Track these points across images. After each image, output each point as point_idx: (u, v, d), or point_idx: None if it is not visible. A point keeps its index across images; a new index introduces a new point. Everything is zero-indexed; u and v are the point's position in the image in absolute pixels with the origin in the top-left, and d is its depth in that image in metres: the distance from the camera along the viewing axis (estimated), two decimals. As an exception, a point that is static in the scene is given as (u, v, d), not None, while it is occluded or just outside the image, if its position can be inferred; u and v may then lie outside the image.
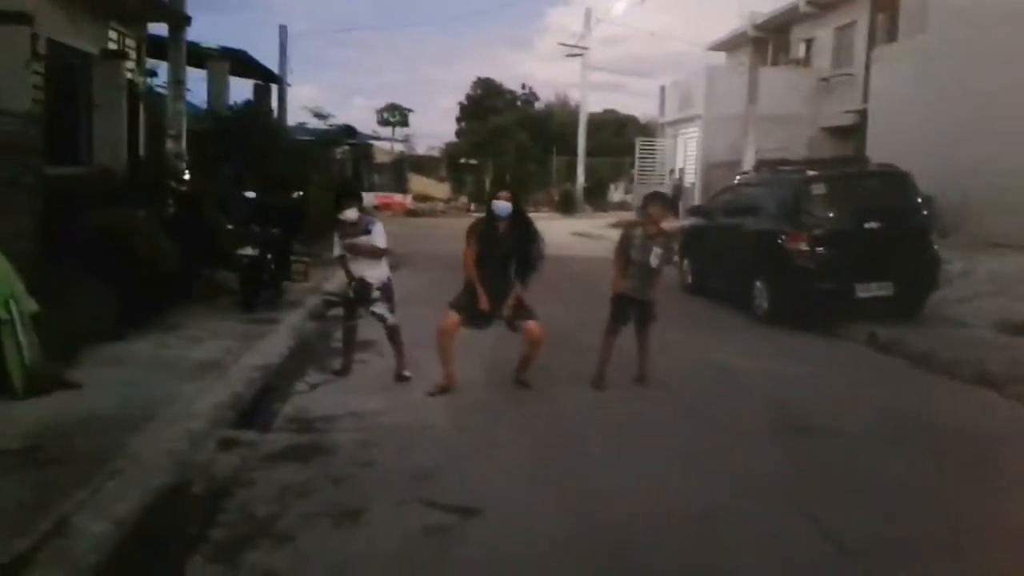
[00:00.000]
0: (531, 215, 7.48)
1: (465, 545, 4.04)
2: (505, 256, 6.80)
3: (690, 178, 27.22)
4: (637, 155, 31.27)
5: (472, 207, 38.52)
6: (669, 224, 7.69)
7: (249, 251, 9.77)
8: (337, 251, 7.41)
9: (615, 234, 23.21)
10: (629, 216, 30.77)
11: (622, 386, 7.16)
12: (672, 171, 29.13)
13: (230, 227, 10.60)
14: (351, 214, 7.24)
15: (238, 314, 9.61)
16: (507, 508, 4.47)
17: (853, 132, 22.38)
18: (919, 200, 10.65)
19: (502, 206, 6.79)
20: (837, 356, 9.12)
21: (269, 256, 10.17)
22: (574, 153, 40.49)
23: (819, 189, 10.44)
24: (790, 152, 19.45)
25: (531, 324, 6.75)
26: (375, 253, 7.25)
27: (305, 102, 79.46)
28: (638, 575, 3.84)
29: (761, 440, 5.88)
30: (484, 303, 6.70)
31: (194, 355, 7.50)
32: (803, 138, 23.97)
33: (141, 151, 12.28)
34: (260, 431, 5.79)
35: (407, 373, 7.25)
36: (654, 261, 7.16)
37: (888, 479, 5.13)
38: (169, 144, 12.49)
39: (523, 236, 6.87)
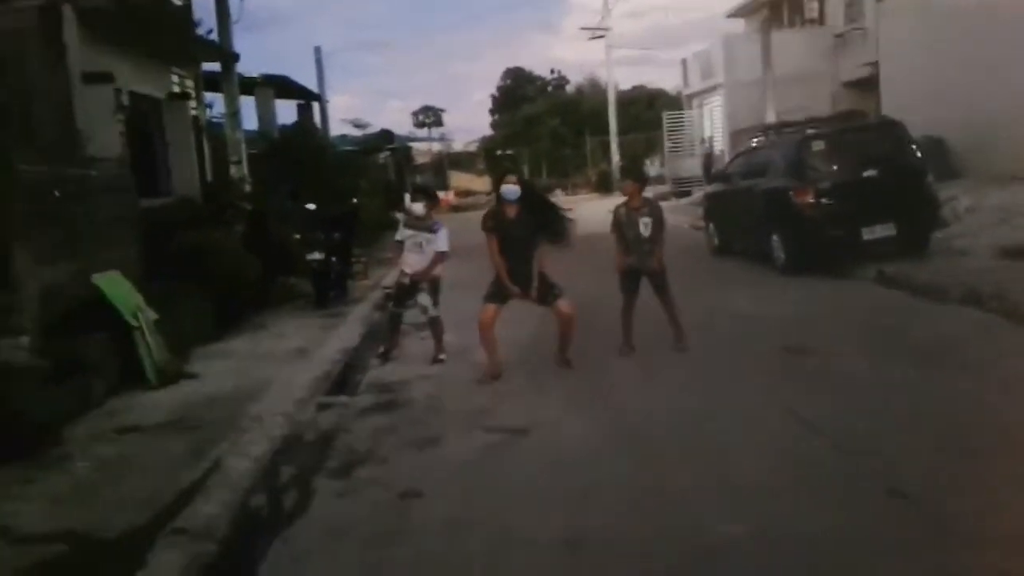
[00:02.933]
0: (570, 197, 8.48)
1: (516, 452, 5.31)
2: (524, 237, 7.00)
3: (719, 145, 28.05)
4: (665, 128, 32.14)
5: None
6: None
7: (317, 256, 11.17)
8: (399, 236, 8.14)
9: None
10: (664, 189, 31.86)
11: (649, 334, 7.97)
12: (702, 140, 29.99)
13: (297, 237, 12.01)
14: (418, 208, 8.05)
15: (312, 311, 11.02)
16: (548, 428, 5.72)
17: (872, 84, 23.02)
18: (913, 146, 11.57)
19: (510, 189, 7.03)
20: (845, 294, 10.13)
21: (334, 259, 11.53)
22: (607, 133, 41.44)
23: (819, 145, 11.43)
24: (812, 109, 20.22)
25: (561, 304, 7.06)
26: (436, 259, 7.91)
27: (342, 112, 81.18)
28: (646, 458, 5.04)
29: (760, 360, 7.06)
30: (509, 287, 7.02)
31: (284, 346, 8.89)
32: (825, 94, 24.68)
33: (208, 177, 13.74)
34: (349, 395, 7.15)
35: (442, 356, 7.93)
36: (644, 231, 7.51)
37: (858, 380, 6.27)
38: (232, 169, 13.96)
39: (540, 213, 7.15)
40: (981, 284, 8.98)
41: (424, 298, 8.02)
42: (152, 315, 7.70)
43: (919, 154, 11.63)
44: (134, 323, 7.39)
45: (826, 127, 12.16)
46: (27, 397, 5.99)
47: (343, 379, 7.76)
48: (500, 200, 7.16)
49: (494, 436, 5.64)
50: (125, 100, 10.35)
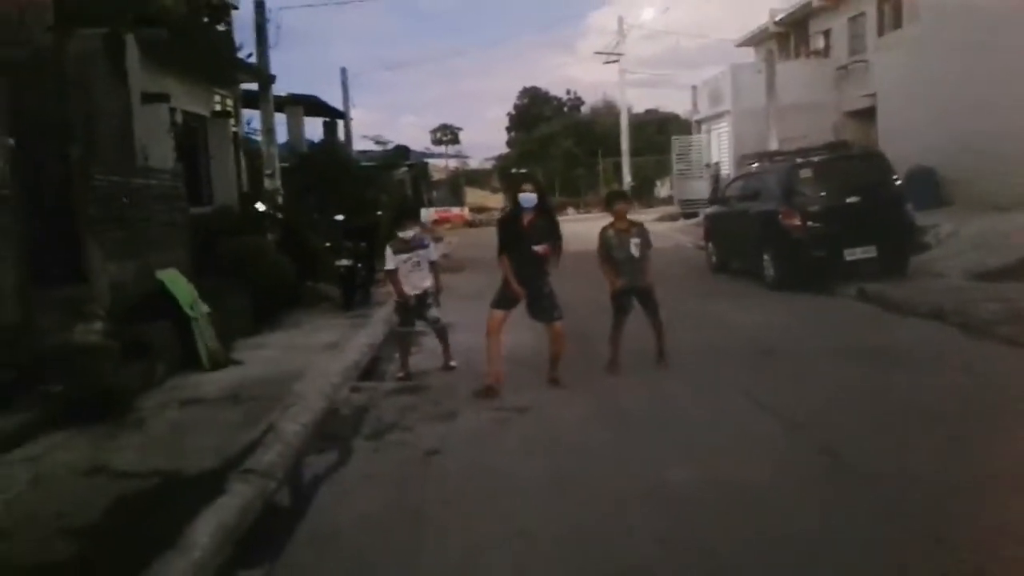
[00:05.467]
0: (582, 216, 9.26)
1: (519, 425, 6.35)
2: (535, 244, 7.23)
3: (725, 169, 29.08)
4: (675, 152, 33.21)
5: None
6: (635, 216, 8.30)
7: (345, 262, 12.26)
8: (390, 265, 8.24)
9: (662, 227, 25.41)
10: (673, 210, 32.90)
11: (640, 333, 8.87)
12: (708, 164, 31.04)
13: (328, 245, 13.12)
14: (409, 232, 8.30)
15: (340, 313, 12.11)
16: (548, 407, 6.75)
17: (872, 114, 24.06)
18: (894, 176, 12.63)
19: (527, 197, 7.24)
20: (825, 308, 11.13)
21: (360, 266, 12.62)
22: (619, 154, 42.55)
23: (806, 173, 12.50)
24: (815, 137, 21.23)
25: (556, 325, 7.34)
26: (435, 273, 8.31)
27: (360, 127, 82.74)
28: (623, 426, 6.07)
29: (734, 359, 8.09)
30: (517, 290, 7.24)
31: (316, 340, 9.95)
32: (828, 123, 25.67)
33: (244, 188, 14.88)
34: (377, 381, 8.19)
35: (453, 363, 8.34)
36: (635, 251, 7.75)
37: (815, 375, 7.31)
38: (267, 182, 15.10)
39: (549, 223, 7.40)
40: (946, 302, 9.96)
41: (433, 311, 8.33)
42: (205, 308, 8.78)
43: (899, 183, 12.64)
44: (191, 314, 8.47)
45: (814, 156, 13.18)
46: (102, 372, 7.05)
47: (372, 368, 8.81)
48: (517, 206, 7.36)
49: (501, 413, 6.67)
50: (178, 118, 11.47)
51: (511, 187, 7.75)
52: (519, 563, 4.00)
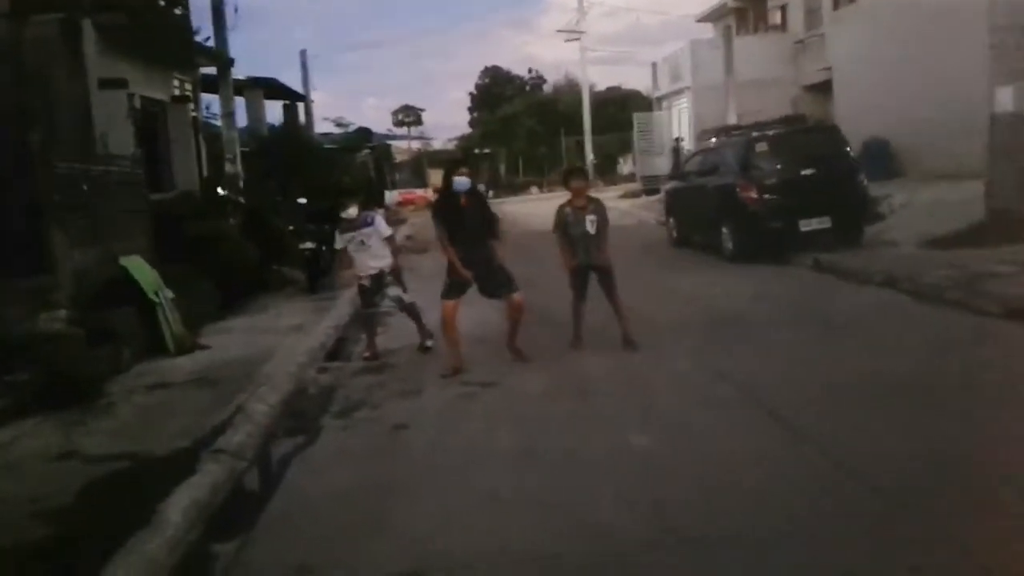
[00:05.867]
0: (545, 195, 9.20)
1: (485, 399, 6.51)
2: (474, 226, 7.28)
3: (686, 145, 29.35)
4: (636, 129, 33.41)
5: (489, 193, 40.80)
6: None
7: (309, 246, 12.30)
8: (339, 244, 8.37)
9: (625, 204, 25.63)
10: (636, 187, 33.14)
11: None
12: (677, 139, 31.28)
13: (291, 228, 13.14)
14: (351, 211, 8.33)
15: (305, 296, 12.19)
16: (512, 382, 6.91)
17: (829, 88, 24.42)
18: (847, 148, 12.91)
19: (462, 181, 7.27)
20: (781, 278, 11.37)
21: (324, 248, 12.65)
22: (582, 132, 42.67)
23: (762, 147, 12.74)
24: (773, 112, 21.51)
25: (514, 296, 7.34)
26: (390, 242, 8.27)
27: (321, 110, 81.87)
28: (584, 395, 6.27)
29: (692, 329, 8.30)
30: (463, 274, 7.24)
31: (282, 323, 10.03)
32: (787, 98, 26.00)
33: (204, 173, 14.81)
34: (344, 361, 8.30)
35: (429, 343, 8.22)
36: (591, 228, 7.67)
37: (768, 342, 7.54)
38: (227, 167, 15.05)
39: (483, 206, 7.54)
40: (898, 269, 10.24)
41: (393, 290, 8.32)
42: (169, 294, 8.82)
43: (853, 155, 12.93)
44: (155, 300, 8.51)
45: (770, 130, 13.42)
46: (68, 359, 7.10)
47: (337, 349, 8.92)
48: (451, 190, 7.34)
49: (467, 388, 6.82)
50: (137, 103, 11.41)
51: (446, 173, 7.66)
52: (489, 526, 4.18)
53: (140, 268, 8.78)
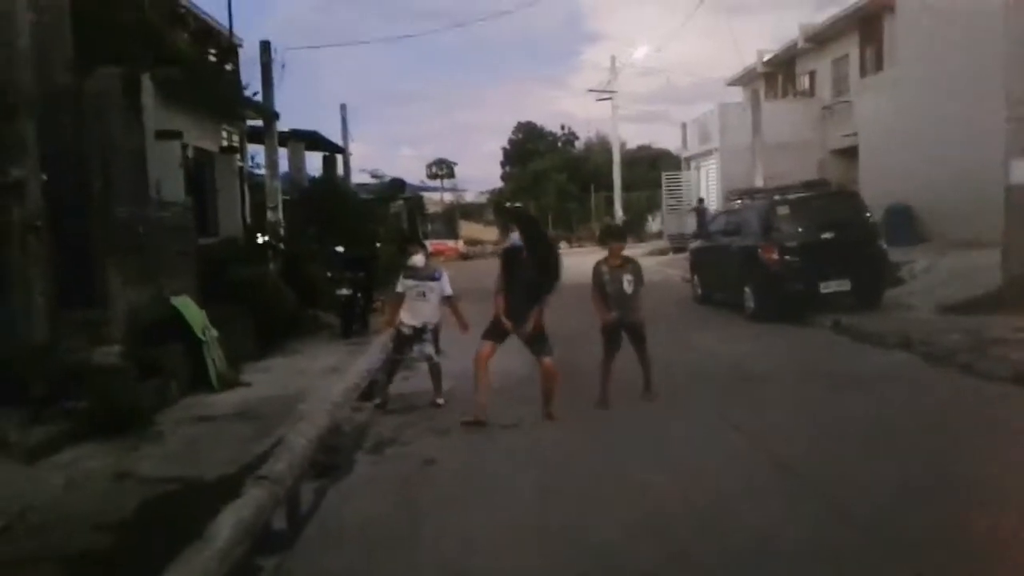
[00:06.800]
0: (574, 249, 9.43)
1: (509, 439, 6.91)
2: (528, 280, 7.43)
3: (714, 205, 29.83)
4: (664, 187, 34.01)
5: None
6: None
7: (345, 292, 12.85)
8: (400, 289, 8.41)
9: (651, 261, 26.06)
10: (663, 244, 33.60)
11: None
12: (700, 199, 31.82)
13: (328, 275, 13.73)
14: (419, 259, 8.49)
15: (339, 340, 12.69)
16: (535, 425, 7.30)
17: (855, 153, 24.90)
18: (867, 214, 13.33)
19: (515, 237, 7.69)
20: (800, 338, 11.73)
21: (358, 295, 13.20)
22: (611, 189, 43.33)
23: (784, 210, 13.18)
24: (800, 176, 21.96)
25: (547, 361, 7.48)
26: (453, 308, 8.38)
27: (357, 159, 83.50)
28: (602, 442, 6.62)
29: (709, 382, 8.67)
30: (505, 321, 7.45)
31: (318, 365, 10.51)
32: (813, 161, 26.47)
33: (248, 220, 15.51)
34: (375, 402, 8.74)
35: (440, 401, 8.28)
36: (627, 288, 7.90)
37: (782, 397, 7.93)
38: (269, 215, 15.74)
39: (548, 264, 7.53)
40: (914, 332, 10.56)
41: (428, 347, 8.38)
42: (214, 332, 9.34)
43: (872, 220, 13.33)
44: (203, 338, 9.04)
45: (792, 194, 13.86)
46: (121, 390, 7.60)
47: (370, 390, 9.35)
48: (515, 245, 7.63)
49: (492, 429, 7.23)
50: (189, 153, 12.11)
51: (506, 218, 8.09)
52: (511, 549, 4.59)
53: (189, 307, 9.33)
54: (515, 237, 7.63)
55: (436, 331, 8.49)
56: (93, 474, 6.08)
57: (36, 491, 5.70)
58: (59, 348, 7.74)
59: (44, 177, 7.72)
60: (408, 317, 8.37)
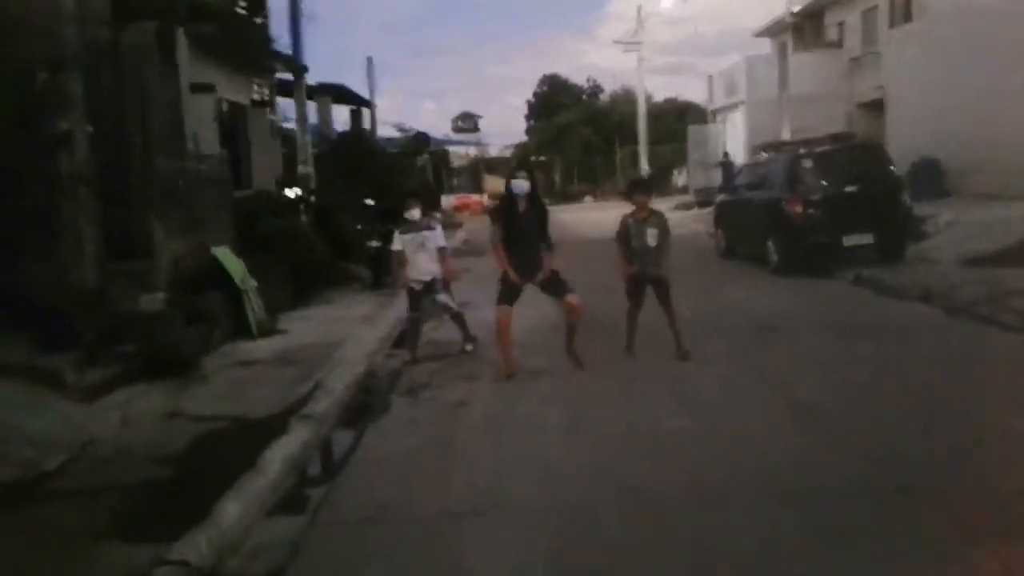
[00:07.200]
0: (598, 204, 9.37)
1: (537, 383, 7.23)
2: (529, 230, 7.38)
3: (740, 159, 29.75)
4: (691, 141, 33.90)
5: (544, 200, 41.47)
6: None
7: (375, 243, 13.16)
8: (397, 246, 8.50)
9: (677, 215, 26.15)
10: (688, 199, 33.60)
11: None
12: (726, 153, 31.73)
13: (359, 227, 14.05)
14: (415, 213, 8.51)
15: (370, 291, 13.04)
16: (562, 370, 7.60)
17: (883, 106, 24.70)
18: (892, 167, 13.38)
19: (520, 184, 7.36)
20: (823, 290, 11.88)
21: (388, 247, 13.49)
22: (637, 142, 43.18)
23: (808, 163, 13.26)
24: (827, 128, 21.89)
25: (570, 297, 7.40)
26: (442, 259, 8.45)
27: (382, 112, 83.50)
28: (629, 386, 6.91)
29: (735, 334, 8.90)
30: (515, 279, 7.36)
31: (352, 313, 10.89)
32: (841, 114, 26.29)
33: (280, 173, 15.82)
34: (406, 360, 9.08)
35: (469, 347, 8.50)
36: (651, 241, 7.85)
37: (803, 348, 8.14)
38: (300, 168, 16.03)
39: (540, 211, 7.56)
40: (935, 285, 10.70)
41: (443, 297, 8.50)
42: (253, 282, 9.70)
43: (896, 173, 13.39)
44: (242, 287, 9.40)
45: (817, 147, 13.92)
46: (167, 336, 7.98)
47: (400, 339, 9.68)
48: (510, 193, 7.46)
49: (519, 377, 7.53)
50: (223, 107, 12.39)
51: (509, 176, 7.73)
52: (538, 480, 4.93)
53: (229, 258, 9.68)
54: (519, 185, 7.38)
55: (448, 282, 8.60)
56: (146, 413, 6.48)
57: (95, 427, 6.11)
58: (109, 295, 8.12)
59: (90, 129, 7.99)
60: (415, 273, 8.46)
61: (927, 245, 14.23)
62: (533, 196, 7.50)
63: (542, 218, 7.51)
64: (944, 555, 3.78)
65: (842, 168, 13.21)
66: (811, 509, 4.30)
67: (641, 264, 7.92)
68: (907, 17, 23.26)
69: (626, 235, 7.99)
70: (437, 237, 8.45)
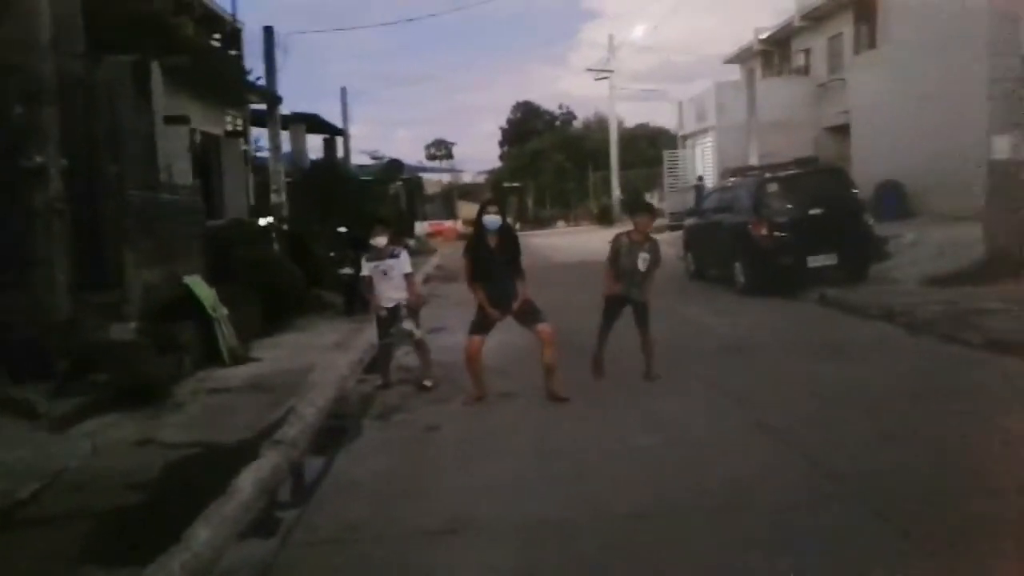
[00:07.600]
0: (571, 228, 9.52)
1: (507, 407, 7.36)
2: (503, 263, 7.44)
3: (709, 183, 30.18)
4: (665, 166, 34.36)
5: (517, 226, 41.76)
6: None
7: (348, 271, 13.24)
8: (365, 271, 8.48)
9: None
10: (663, 222, 33.93)
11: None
12: (700, 178, 32.17)
13: (332, 255, 14.14)
14: (380, 240, 8.40)
15: (343, 317, 13.11)
16: (532, 393, 7.71)
17: (849, 130, 25.22)
18: (854, 190, 13.73)
19: (492, 220, 7.44)
20: (788, 311, 12.14)
21: (360, 274, 13.59)
22: (609, 168, 43.64)
23: (773, 187, 13.57)
24: (794, 153, 22.26)
25: (542, 327, 7.39)
26: (409, 285, 8.38)
27: (356, 140, 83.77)
28: (595, 403, 7.05)
29: (700, 354, 9.08)
30: (492, 313, 7.44)
31: (324, 340, 10.95)
32: (808, 139, 26.81)
33: (252, 202, 15.91)
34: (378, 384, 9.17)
35: (428, 383, 8.21)
36: (642, 265, 7.82)
37: (766, 366, 8.35)
38: (273, 196, 16.14)
39: (512, 244, 7.57)
40: (897, 304, 10.96)
41: (408, 324, 8.36)
42: (224, 310, 9.77)
43: (859, 196, 13.74)
44: (214, 315, 9.46)
45: (782, 171, 14.24)
46: (139, 364, 8.03)
47: (373, 364, 9.76)
48: (481, 228, 7.52)
49: (490, 397, 7.65)
50: (196, 138, 12.50)
51: (480, 211, 7.74)
52: (510, 499, 5.05)
53: (200, 286, 9.75)
54: (492, 221, 7.46)
55: (414, 309, 8.55)
56: (118, 441, 6.52)
57: (67, 456, 6.13)
58: (80, 325, 8.16)
59: (65, 162, 8.07)
60: (381, 299, 8.43)
61: (890, 265, 14.56)
62: (503, 228, 7.60)
63: (514, 250, 7.55)
64: (894, 563, 3.93)
65: (806, 192, 13.53)
66: (771, 520, 4.45)
67: (627, 285, 7.91)
68: (872, 44, 23.89)
69: (616, 255, 7.94)
70: (402, 264, 8.42)
